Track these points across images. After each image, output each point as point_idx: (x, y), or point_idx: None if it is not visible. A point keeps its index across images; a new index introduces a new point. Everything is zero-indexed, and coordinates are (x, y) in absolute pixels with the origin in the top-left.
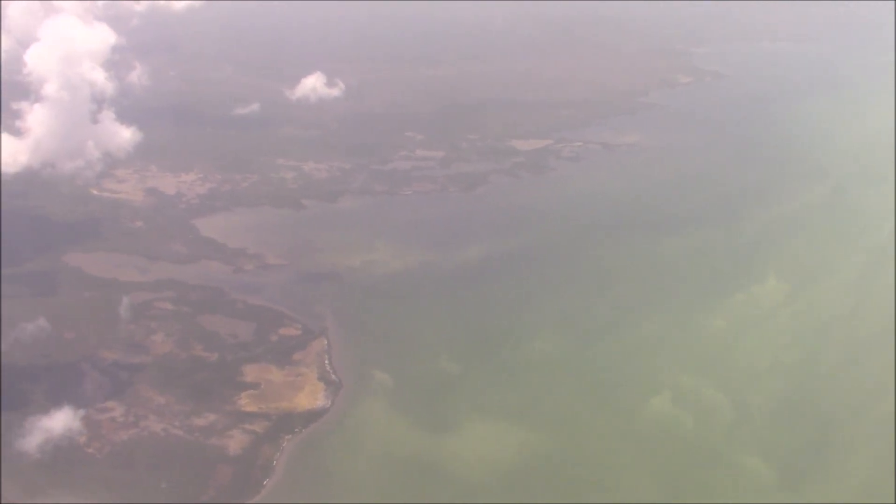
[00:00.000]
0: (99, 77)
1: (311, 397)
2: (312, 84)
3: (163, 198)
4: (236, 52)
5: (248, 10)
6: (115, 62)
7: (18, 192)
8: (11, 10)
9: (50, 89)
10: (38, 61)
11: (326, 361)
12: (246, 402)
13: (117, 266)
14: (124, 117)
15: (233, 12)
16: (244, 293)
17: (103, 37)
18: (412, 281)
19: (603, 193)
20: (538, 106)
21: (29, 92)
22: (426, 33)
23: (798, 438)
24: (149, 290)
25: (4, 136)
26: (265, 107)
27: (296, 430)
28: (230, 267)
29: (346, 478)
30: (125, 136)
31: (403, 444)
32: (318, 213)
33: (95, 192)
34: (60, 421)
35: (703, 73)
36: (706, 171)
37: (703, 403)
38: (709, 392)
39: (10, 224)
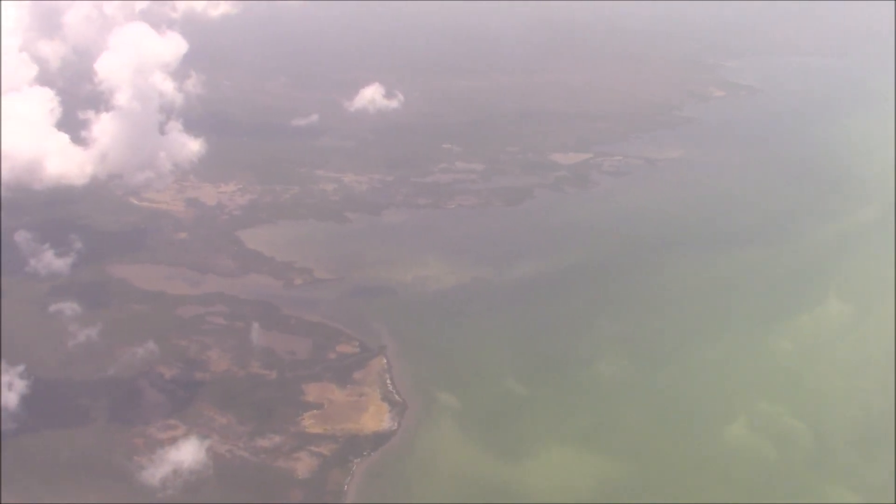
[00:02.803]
0: (168, 87)
1: (376, 419)
2: (371, 95)
3: (204, 209)
4: (285, 61)
5: (281, 15)
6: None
7: (62, 200)
8: (69, 17)
9: (121, 99)
10: (110, 70)
11: (388, 381)
12: (310, 423)
13: (165, 278)
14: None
15: (268, 18)
16: (297, 308)
17: (175, 46)
18: (467, 297)
19: (651, 209)
20: (574, 118)
21: (98, 101)
22: (454, 45)
23: (883, 467)
24: (199, 304)
25: (71, 145)
26: (323, 118)
27: (364, 453)
28: (280, 281)
29: None
30: (192, 147)
31: (477, 471)
32: (363, 226)
33: (135, 201)
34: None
35: (737, 87)
36: (752, 187)
37: (782, 431)
38: (786, 419)
39: (55, 234)
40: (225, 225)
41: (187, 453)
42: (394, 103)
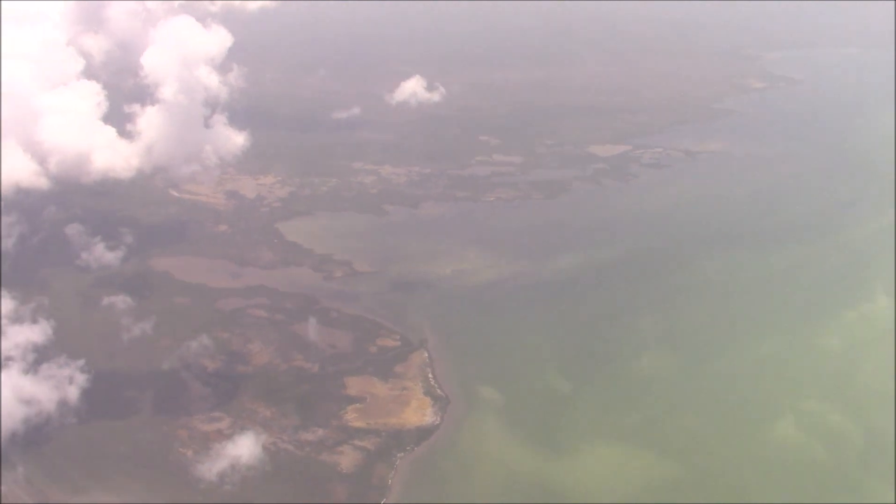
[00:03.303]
0: (213, 81)
1: (419, 413)
2: (412, 88)
3: (244, 201)
4: (324, 55)
5: (319, 9)
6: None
7: (103, 193)
8: (113, 11)
9: (167, 93)
10: (156, 64)
11: (430, 375)
12: (353, 417)
13: (206, 271)
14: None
15: (306, 12)
16: (337, 301)
17: (220, 39)
18: (507, 291)
19: (692, 203)
20: (612, 111)
21: (143, 95)
22: (494, 38)
23: None
24: (240, 296)
25: (118, 139)
26: (364, 111)
27: (407, 447)
28: (319, 274)
29: (465, 500)
30: (237, 141)
31: (522, 467)
32: (402, 219)
33: (175, 193)
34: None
35: (776, 79)
36: (796, 181)
37: (831, 429)
38: (835, 417)
39: (97, 226)
40: (264, 217)
41: (244, 448)
42: (435, 96)
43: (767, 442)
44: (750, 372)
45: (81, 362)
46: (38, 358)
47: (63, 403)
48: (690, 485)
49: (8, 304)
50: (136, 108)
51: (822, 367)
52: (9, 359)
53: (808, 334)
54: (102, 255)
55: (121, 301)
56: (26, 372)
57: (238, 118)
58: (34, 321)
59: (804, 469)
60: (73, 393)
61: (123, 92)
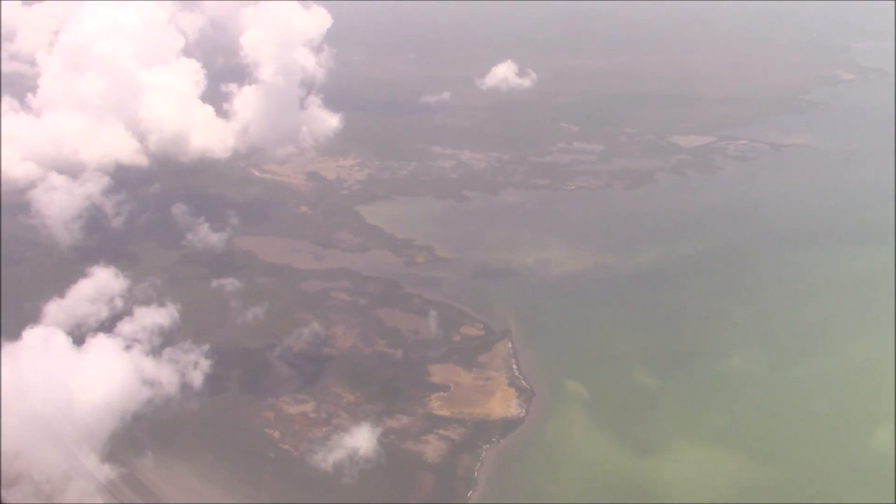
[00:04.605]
0: (310, 62)
1: (504, 404)
2: (503, 73)
3: (324, 183)
4: (412, 37)
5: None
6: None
7: (194, 170)
8: None
9: (265, 73)
10: (256, 43)
11: (514, 366)
12: (437, 405)
13: (289, 251)
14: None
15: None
16: (420, 287)
17: (319, 20)
18: (590, 283)
19: (780, 197)
20: (695, 101)
21: (238, 74)
22: (572, 23)
23: None
24: (323, 278)
25: (216, 118)
26: (454, 95)
27: (493, 439)
28: (401, 258)
29: (552, 497)
30: (331, 123)
31: (610, 465)
32: (482, 205)
33: (257, 173)
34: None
35: (867, 71)
36: (888, 177)
37: None
38: None
39: (183, 203)
40: (345, 200)
41: (361, 440)
42: (526, 82)
43: (865, 450)
44: (845, 375)
45: (206, 347)
46: (164, 341)
47: (189, 387)
48: (782, 491)
49: (122, 283)
50: (232, 87)
51: None
52: (135, 340)
53: None
54: (207, 235)
55: (229, 284)
56: (148, 354)
57: (328, 100)
58: (161, 304)
59: None
60: (197, 378)
61: (214, 70)
